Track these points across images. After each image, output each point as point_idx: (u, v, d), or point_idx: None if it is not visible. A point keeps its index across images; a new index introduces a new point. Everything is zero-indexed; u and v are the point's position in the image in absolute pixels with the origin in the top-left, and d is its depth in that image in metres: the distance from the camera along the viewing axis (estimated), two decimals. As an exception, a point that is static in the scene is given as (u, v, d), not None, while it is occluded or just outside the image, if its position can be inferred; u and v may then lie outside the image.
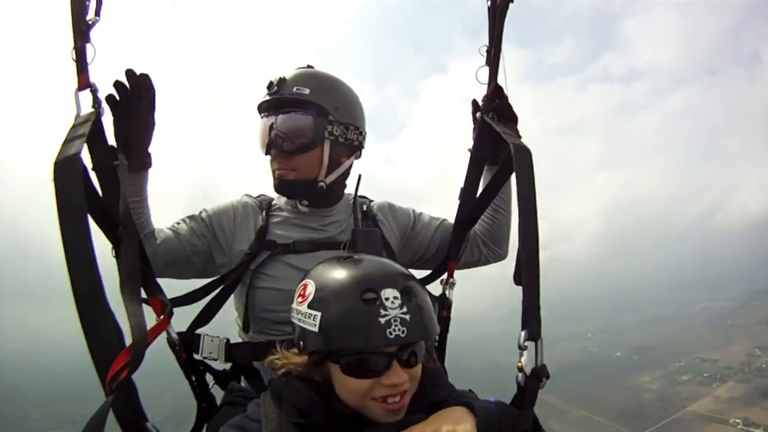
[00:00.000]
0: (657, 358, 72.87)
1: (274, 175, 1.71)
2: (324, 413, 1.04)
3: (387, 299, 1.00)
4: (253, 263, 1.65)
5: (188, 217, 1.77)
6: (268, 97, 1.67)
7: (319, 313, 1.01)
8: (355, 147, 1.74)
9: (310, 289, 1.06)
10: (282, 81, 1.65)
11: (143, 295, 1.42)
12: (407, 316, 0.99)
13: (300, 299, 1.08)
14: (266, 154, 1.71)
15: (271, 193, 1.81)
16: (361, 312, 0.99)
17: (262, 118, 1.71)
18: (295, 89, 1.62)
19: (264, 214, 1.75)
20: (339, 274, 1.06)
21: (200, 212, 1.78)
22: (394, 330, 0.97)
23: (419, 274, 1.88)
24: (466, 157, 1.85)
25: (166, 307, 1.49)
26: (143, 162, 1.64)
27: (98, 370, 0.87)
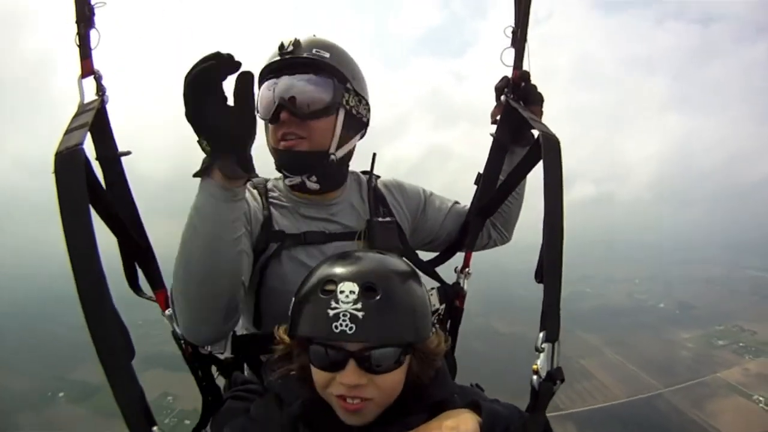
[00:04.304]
0: (698, 317, 70.50)
1: (277, 146, 1.50)
2: (320, 413, 1.03)
3: (342, 292, 0.95)
4: (261, 258, 1.50)
5: None
6: (278, 58, 1.49)
7: (293, 299, 1.06)
8: (363, 124, 1.63)
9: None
10: (297, 42, 1.49)
11: (149, 290, 1.45)
12: (360, 314, 0.93)
13: None
14: (271, 121, 1.48)
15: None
16: (315, 301, 0.97)
17: (268, 80, 1.50)
18: (314, 51, 1.49)
19: (263, 200, 1.59)
20: (323, 265, 1.06)
21: None
22: (341, 325, 0.92)
23: (430, 254, 1.92)
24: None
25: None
26: (249, 165, 1.11)
27: (105, 368, 0.86)
